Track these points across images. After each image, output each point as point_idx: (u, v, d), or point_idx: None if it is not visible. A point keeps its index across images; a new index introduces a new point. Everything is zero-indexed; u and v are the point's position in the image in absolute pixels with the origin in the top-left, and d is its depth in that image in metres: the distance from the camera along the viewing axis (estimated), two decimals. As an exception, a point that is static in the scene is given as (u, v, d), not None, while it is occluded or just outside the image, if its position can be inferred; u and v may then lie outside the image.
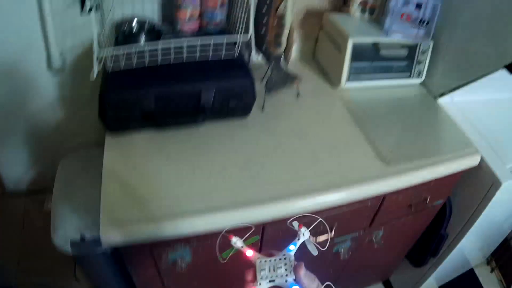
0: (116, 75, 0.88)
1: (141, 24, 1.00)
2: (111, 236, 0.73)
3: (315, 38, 1.29)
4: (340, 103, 1.14)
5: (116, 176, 0.83)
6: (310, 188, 0.86)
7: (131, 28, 0.99)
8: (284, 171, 0.90)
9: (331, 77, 1.21)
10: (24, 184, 1.32)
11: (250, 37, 0.92)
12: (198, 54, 0.91)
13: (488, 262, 1.95)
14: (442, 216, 1.29)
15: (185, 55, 0.90)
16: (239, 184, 0.85)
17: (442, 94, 1.22)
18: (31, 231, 1.25)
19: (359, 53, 1.12)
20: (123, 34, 0.98)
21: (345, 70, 1.13)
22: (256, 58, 1.13)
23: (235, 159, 0.91)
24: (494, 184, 1.09)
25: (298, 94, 1.10)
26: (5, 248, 1.21)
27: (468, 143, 1.10)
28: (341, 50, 1.11)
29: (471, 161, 1.08)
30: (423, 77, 1.26)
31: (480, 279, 1.91)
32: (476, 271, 1.87)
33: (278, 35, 0.96)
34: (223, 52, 0.93)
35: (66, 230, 1.06)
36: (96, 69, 0.81)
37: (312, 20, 1.24)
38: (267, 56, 1.01)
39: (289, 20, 0.94)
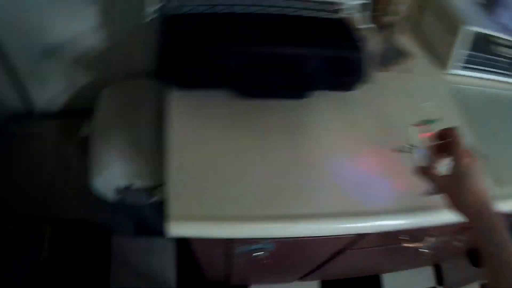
0: (181, 19, 0.66)
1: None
2: (179, 230, 0.59)
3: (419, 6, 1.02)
4: (448, 90, 0.93)
5: (184, 147, 0.66)
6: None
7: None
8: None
9: (437, 55, 0.98)
10: (56, 105, 1.16)
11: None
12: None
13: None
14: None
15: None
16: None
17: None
18: (64, 159, 1.12)
19: (474, 42, 0.91)
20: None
21: (454, 55, 0.91)
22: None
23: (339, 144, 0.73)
24: None
25: (408, 71, 0.90)
26: (35, 174, 1.09)
27: None
28: (453, 33, 0.89)
29: None
30: None
31: None
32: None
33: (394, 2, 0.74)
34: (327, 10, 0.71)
35: (109, 176, 0.93)
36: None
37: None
38: (379, 24, 0.80)
39: None
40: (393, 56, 0.89)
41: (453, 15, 0.92)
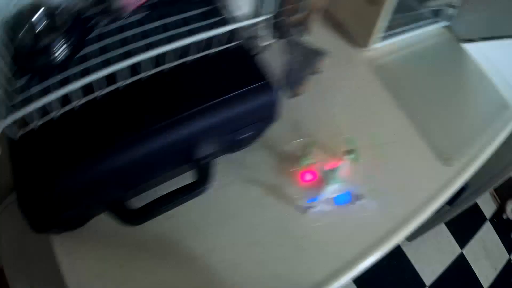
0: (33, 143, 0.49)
1: (51, 13, 0.52)
2: None
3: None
4: (372, 74, 0.88)
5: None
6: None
7: (34, 26, 0.52)
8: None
9: (354, 34, 0.91)
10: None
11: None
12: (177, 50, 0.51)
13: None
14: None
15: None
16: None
17: (470, 40, 1.04)
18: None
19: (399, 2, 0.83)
20: (24, 46, 0.51)
21: (378, 27, 0.84)
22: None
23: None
24: None
25: (320, 72, 0.81)
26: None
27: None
28: (376, 2, 0.81)
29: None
30: (451, 20, 1.04)
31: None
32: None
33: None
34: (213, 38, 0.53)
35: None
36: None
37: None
38: (283, 31, 0.69)
39: None
40: (306, 63, 0.78)
41: None
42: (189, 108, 0.52)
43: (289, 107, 0.71)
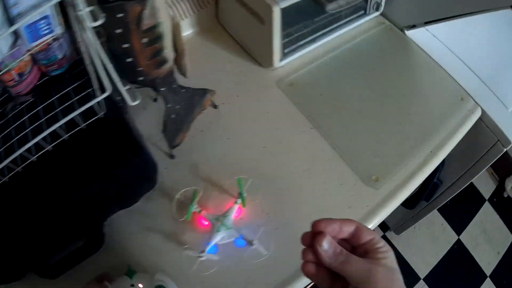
0: None
1: None
2: None
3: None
4: (281, 95, 0.83)
5: None
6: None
7: None
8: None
9: (256, 56, 0.87)
10: None
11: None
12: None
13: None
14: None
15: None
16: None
17: (412, 26, 0.99)
18: None
19: (292, 17, 0.78)
20: None
21: (276, 49, 0.79)
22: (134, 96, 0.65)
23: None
24: (501, 141, 0.97)
25: (215, 106, 0.79)
26: None
27: (461, 93, 0.93)
28: (264, 21, 0.76)
29: (472, 119, 0.91)
30: (382, 9, 0.99)
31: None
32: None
33: (158, 51, 0.59)
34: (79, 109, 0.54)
35: None
36: None
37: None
38: (153, 86, 0.64)
39: (166, 24, 0.57)
40: (190, 109, 0.72)
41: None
42: (66, 190, 0.55)
43: (188, 150, 0.71)
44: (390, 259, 0.40)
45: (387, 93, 0.88)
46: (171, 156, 0.71)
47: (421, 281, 1.83)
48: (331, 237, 0.40)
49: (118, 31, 0.53)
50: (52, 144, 0.55)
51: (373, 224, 0.71)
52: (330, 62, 0.88)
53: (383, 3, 0.97)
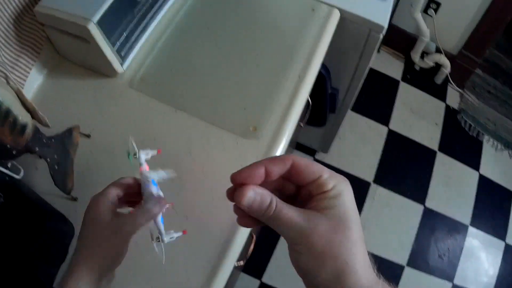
0: None
1: None
2: None
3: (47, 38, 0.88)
4: (136, 95, 0.84)
5: None
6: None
7: None
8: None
9: (101, 70, 0.86)
10: None
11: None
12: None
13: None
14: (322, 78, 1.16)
15: None
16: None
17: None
18: None
19: (113, 20, 0.77)
20: None
21: (112, 58, 0.79)
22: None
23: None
24: (373, 30, 0.99)
25: (88, 136, 0.80)
26: None
27: (311, 3, 0.93)
28: (88, 41, 0.76)
29: (332, 23, 0.92)
30: None
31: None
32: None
33: (14, 123, 0.62)
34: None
35: None
36: None
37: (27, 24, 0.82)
38: (28, 151, 0.67)
39: (8, 97, 0.61)
40: (67, 145, 0.76)
41: (68, 19, 0.74)
42: None
43: (83, 185, 0.74)
44: (341, 207, 0.31)
45: (234, 41, 0.88)
46: (74, 199, 0.75)
47: (372, 185, 1.80)
48: (256, 186, 0.33)
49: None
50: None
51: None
52: (169, 39, 0.87)
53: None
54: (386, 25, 0.97)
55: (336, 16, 0.93)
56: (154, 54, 0.86)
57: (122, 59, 0.82)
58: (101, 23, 0.73)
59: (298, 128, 0.99)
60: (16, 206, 0.64)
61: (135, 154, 0.55)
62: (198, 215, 0.70)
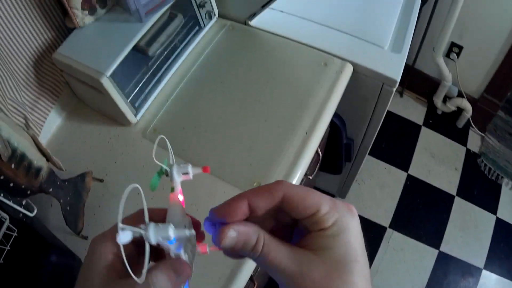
0: None
1: None
2: None
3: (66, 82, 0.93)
4: (152, 145, 0.86)
5: None
6: None
7: None
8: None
9: (117, 119, 0.91)
10: None
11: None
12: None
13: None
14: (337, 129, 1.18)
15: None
16: None
17: (252, 16, 1.01)
18: None
19: (127, 72, 0.81)
20: None
21: (125, 109, 0.83)
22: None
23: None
24: (386, 84, 0.98)
25: (101, 180, 0.86)
26: None
27: (323, 58, 0.95)
28: (102, 92, 0.80)
29: (345, 77, 0.93)
30: (217, 13, 1.02)
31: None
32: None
33: (29, 166, 0.68)
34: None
35: None
36: None
37: (47, 70, 0.87)
38: (42, 191, 0.72)
39: (23, 143, 0.66)
40: (79, 188, 0.80)
41: (84, 70, 0.78)
42: None
43: (93, 225, 0.78)
44: (341, 247, 0.26)
45: (246, 95, 0.89)
46: (84, 237, 0.79)
47: (388, 230, 1.78)
48: (240, 223, 0.29)
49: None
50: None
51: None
52: (183, 91, 0.91)
53: (215, 9, 0.99)
54: (398, 79, 0.96)
55: (349, 70, 0.93)
56: (167, 105, 0.89)
57: (136, 109, 0.86)
58: (114, 76, 0.77)
59: (306, 179, 0.99)
60: (28, 240, 0.67)
61: (166, 172, 0.40)
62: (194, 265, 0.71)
